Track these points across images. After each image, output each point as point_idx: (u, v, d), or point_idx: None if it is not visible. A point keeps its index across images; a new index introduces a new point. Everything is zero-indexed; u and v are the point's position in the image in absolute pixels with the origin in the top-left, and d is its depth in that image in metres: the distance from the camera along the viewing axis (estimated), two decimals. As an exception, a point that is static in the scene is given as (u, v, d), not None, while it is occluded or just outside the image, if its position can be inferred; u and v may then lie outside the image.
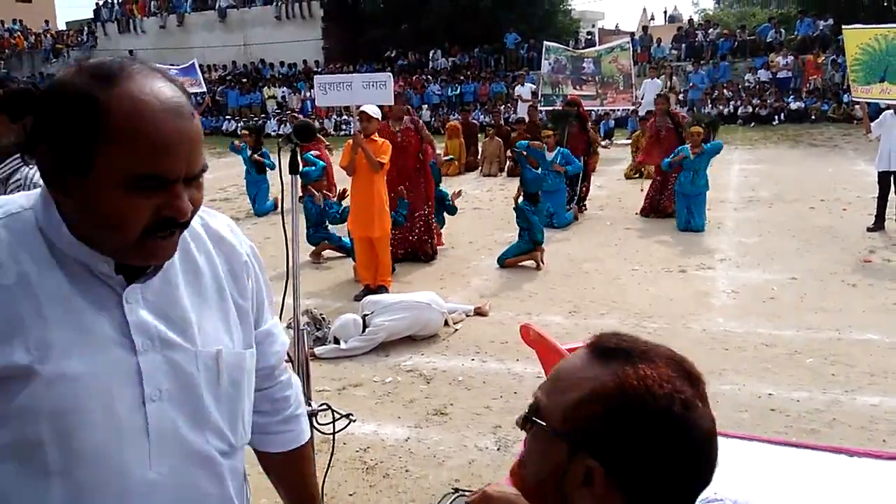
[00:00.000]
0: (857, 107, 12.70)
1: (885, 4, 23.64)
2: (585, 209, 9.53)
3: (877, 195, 7.86)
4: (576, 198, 9.42)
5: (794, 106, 19.28)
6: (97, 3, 33.03)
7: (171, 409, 1.13)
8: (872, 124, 7.96)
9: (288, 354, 1.52)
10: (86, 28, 33.77)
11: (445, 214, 8.23)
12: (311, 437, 1.54)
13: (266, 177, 10.47)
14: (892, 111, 7.78)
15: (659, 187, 9.14)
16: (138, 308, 1.11)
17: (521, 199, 7.29)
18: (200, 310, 1.18)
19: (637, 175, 12.42)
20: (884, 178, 7.75)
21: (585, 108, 13.29)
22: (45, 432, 1.04)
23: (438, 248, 7.69)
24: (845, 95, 17.39)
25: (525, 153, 8.34)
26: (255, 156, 10.49)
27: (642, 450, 0.89)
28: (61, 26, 37.92)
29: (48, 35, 34.15)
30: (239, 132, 16.54)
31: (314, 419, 2.44)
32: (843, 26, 8.84)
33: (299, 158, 2.59)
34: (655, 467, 0.90)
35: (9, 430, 1.04)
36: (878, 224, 7.74)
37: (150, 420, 1.11)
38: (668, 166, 8.62)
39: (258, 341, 1.31)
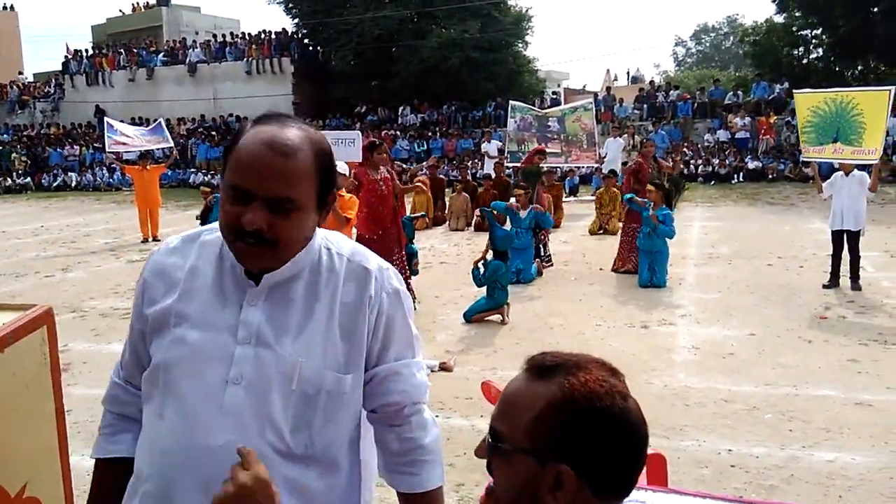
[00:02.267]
0: (808, 168, 13.14)
1: (837, 70, 24.74)
2: (552, 264, 9.63)
3: (830, 253, 8.10)
4: (541, 251, 9.53)
5: (751, 165, 19.88)
6: (66, 56, 33.06)
7: (245, 395, 1.36)
8: (824, 185, 8.24)
9: None
10: (53, 80, 33.68)
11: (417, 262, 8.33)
12: (440, 489, 1.54)
13: None
14: (842, 173, 8.08)
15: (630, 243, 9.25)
16: (253, 308, 1.39)
17: (490, 259, 7.30)
18: (303, 325, 1.40)
19: (601, 231, 12.65)
20: (837, 237, 8.00)
21: (550, 165, 13.62)
22: (160, 377, 1.40)
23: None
24: (801, 155, 17.98)
25: (495, 212, 8.45)
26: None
27: (599, 442, 1.03)
28: (29, 78, 37.79)
29: (14, 86, 34.00)
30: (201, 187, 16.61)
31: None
32: (794, 90, 9.23)
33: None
34: (610, 454, 1.04)
35: (150, 364, 1.43)
36: (833, 282, 7.96)
37: (227, 398, 1.35)
38: (629, 202, 8.82)
39: (382, 376, 1.48)
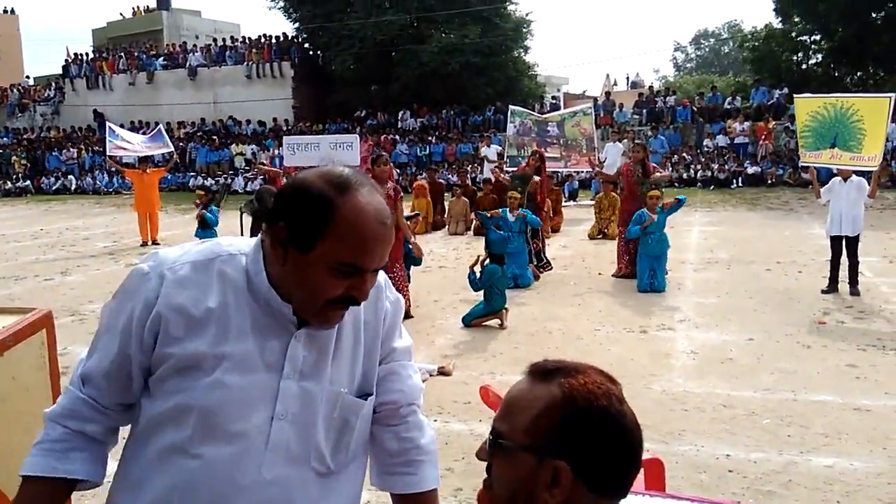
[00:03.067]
0: (807, 173, 13.17)
1: (836, 75, 24.79)
2: (551, 268, 9.62)
3: (829, 259, 8.10)
4: (533, 258, 9.52)
5: (751, 170, 19.91)
6: (66, 60, 33.12)
7: (290, 429, 1.37)
8: (822, 190, 8.24)
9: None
10: (53, 83, 33.72)
11: (412, 267, 8.32)
12: (435, 492, 1.56)
13: (213, 232, 10.49)
14: (840, 178, 8.08)
15: (627, 249, 9.20)
16: (297, 342, 1.38)
17: (487, 263, 7.29)
18: (337, 354, 1.44)
19: (600, 235, 12.65)
20: (835, 243, 8.00)
21: (549, 170, 13.63)
22: (193, 420, 1.34)
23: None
24: (799, 160, 18.01)
25: (490, 215, 8.49)
26: (200, 211, 10.61)
27: (595, 441, 1.07)
28: (29, 81, 37.87)
29: (15, 90, 34.03)
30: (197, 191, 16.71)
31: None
32: (795, 95, 9.23)
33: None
34: (606, 453, 1.08)
35: (170, 402, 1.35)
36: (832, 287, 7.96)
37: (273, 434, 1.36)
38: (638, 233, 8.67)
39: (381, 376, 1.52)
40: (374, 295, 1.49)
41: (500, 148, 18.89)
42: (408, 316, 7.35)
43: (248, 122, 28.33)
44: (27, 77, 37.11)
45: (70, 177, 27.10)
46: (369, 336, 1.49)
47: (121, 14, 41.20)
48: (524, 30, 28.92)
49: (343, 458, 1.46)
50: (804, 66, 25.94)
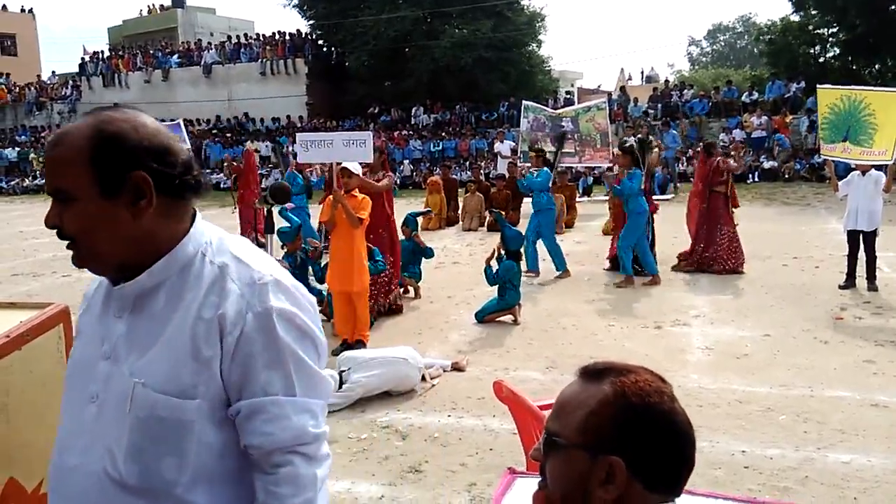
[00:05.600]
0: (826, 167, 13.01)
1: (853, 68, 24.50)
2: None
3: (847, 254, 8.02)
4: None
5: (767, 165, 19.73)
6: (83, 58, 33.38)
7: (97, 415, 1.27)
8: (840, 184, 8.16)
9: None
10: (70, 82, 34.00)
11: (423, 261, 8.42)
12: None
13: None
14: (859, 172, 8.00)
15: (704, 238, 9.18)
16: (118, 320, 1.31)
17: (504, 258, 7.27)
18: (153, 341, 1.27)
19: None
20: (852, 237, 7.92)
21: (564, 165, 13.60)
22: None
23: (416, 301, 7.85)
24: (815, 156, 17.81)
25: (503, 213, 8.56)
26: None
27: (649, 438, 1.08)
28: (54, 79, 38.29)
29: (32, 88, 34.36)
30: (222, 185, 16.78)
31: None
32: (818, 85, 9.10)
33: (276, 217, 2.63)
34: (659, 449, 1.09)
35: None
36: (849, 282, 7.88)
37: (84, 417, 1.28)
38: (619, 193, 8.88)
39: (244, 415, 1.27)
40: (225, 291, 1.27)
41: (514, 143, 18.84)
42: (396, 310, 7.43)
43: (262, 119, 28.44)
44: (53, 72, 37.53)
45: (87, 174, 27.29)
46: (201, 335, 1.24)
47: (140, 11, 41.51)
48: (537, 24, 28.79)
49: (140, 469, 1.23)
50: (821, 59, 25.65)
